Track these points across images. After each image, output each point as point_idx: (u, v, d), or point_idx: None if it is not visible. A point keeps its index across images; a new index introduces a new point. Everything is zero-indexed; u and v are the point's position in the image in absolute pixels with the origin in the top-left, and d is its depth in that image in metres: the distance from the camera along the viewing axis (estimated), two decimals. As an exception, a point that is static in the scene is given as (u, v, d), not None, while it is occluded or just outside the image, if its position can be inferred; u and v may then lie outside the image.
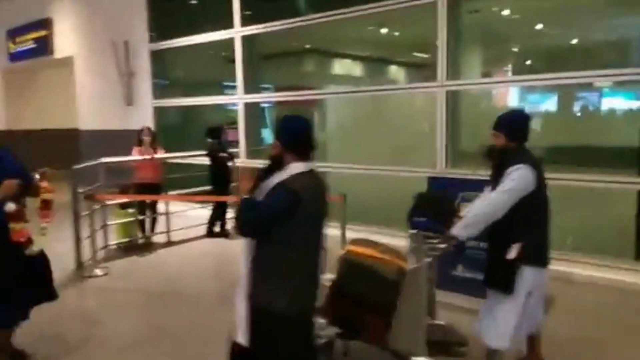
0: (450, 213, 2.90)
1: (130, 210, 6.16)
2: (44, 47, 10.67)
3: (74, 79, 10.00)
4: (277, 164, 2.20)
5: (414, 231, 2.84)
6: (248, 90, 7.64)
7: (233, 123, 8.87)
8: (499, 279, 2.78)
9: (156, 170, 6.33)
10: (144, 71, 8.77)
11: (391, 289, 2.82)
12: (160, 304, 4.44)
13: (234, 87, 8.02)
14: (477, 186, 4.01)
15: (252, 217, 2.15)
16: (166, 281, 4.99)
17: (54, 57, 10.52)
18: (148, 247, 6.22)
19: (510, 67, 7.76)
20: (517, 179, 2.63)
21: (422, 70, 13.21)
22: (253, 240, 2.22)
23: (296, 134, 2.22)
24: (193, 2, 8.57)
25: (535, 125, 8.15)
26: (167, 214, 6.54)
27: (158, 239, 6.45)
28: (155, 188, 6.32)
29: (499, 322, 2.78)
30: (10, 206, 2.80)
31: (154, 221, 6.48)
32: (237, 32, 7.52)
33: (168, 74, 9.25)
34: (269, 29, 7.22)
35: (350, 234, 4.47)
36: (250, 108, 7.75)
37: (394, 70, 14.35)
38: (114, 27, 9.04)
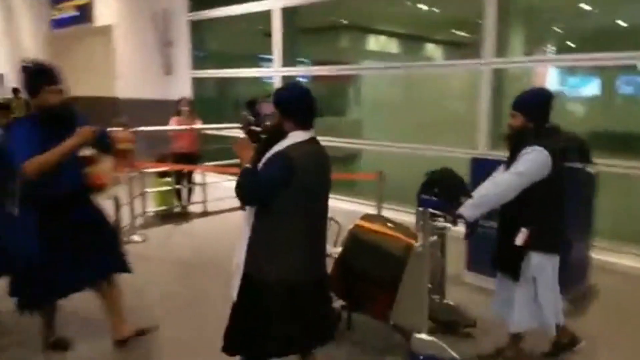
0: (460, 192, 2.82)
1: (168, 179, 6.26)
2: (85, 14, 10.79)
3: (113, 47, 10.09)
4: (277, 134, 2.19)
5: (421, 209, 2.80)
6: (285, 63, 7.55)
7: (269, 96, 8.82)
8: (507, 263, 2.75)
9: (193, 140, 6.38)
10: (183, 41, 8.77)
11: (397, 265, 2.82)
12: (198, 271, 4.52)
13: (270, 61, 7.95)
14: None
15: (250, 186, 2.16)
16: (202, 250, 5.07)
17: (94, 25, 10.63)
18: (184, 216, 6.32)
19: (552, 47, 7.47)
20: (531, 161, 2.54)
21: (461, 49, 12.90)
22: (253, 209, 2.22)
23: (294, 101, 2.18)
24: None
25: (575, 109, 7.89)
26: (203, 184, 6.62)
27: (194, 208, 6.55)
28: (192, 158, 6.39)
29: (514, 307, 2.74)
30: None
31: (190, 191, 6.57)
32: (276, 3, 7.40)
33: (206, 45, 9.23)
34: (308, 1, 7.06)
35: (386, 213, 4.40)
36: (287, 81, 7.67)
37: (432, 48, 14.00)
38: (153, -5, 9.04)
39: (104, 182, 2.92)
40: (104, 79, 10.44)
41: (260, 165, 2.18)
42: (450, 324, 3.24)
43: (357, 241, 3.03)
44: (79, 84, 11.75)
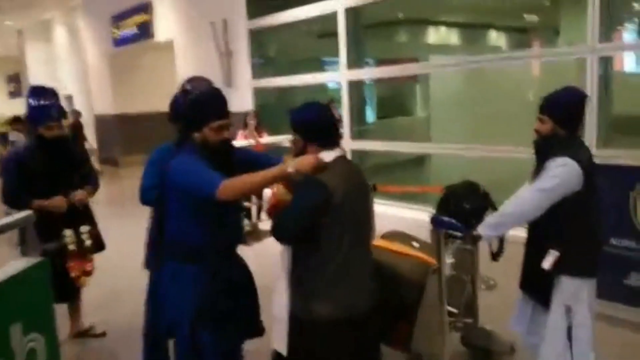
0: (481, 209, 2.58)
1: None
2: (145, 31, 10.90)
3: (175, 61, 10.07)
4: None
5: (434, 230, 2.61)
6: (351, 66, 7.10)
7: (331, 102, 8.45)
8: (534, 288, 2.47)
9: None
10: (243, 51, 8.56)
11: (416, 290, 2.61)
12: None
13: (333, 64, 7.55)
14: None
15: (283, 223, 2.00)
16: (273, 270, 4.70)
17: (155, 40, 10.70)
18: (254, 235, 6.02)
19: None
20: (559, 176, 2.20)
21: (531, 35, 12.01)
22: (289, 248, 2.05)
23: (313, 122, 2.03)
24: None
25: None
26: (273, 200, 6.28)
27: (264, 226, 6.23)
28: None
29: (545, 340, 2.38)
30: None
31: (260, 208, 6.27)
32: (341, 4, 6.97)
33: (266, 53, 8.98)
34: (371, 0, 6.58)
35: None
36: (354, 85, 7.22)
37: (499, 37, 13.16)
38: (212, 6, 8.90)
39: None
40: (167, 94, 10.46)
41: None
42: (484, 350, 3.00)
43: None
44: (145, 100, 11.98)
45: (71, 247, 3.19)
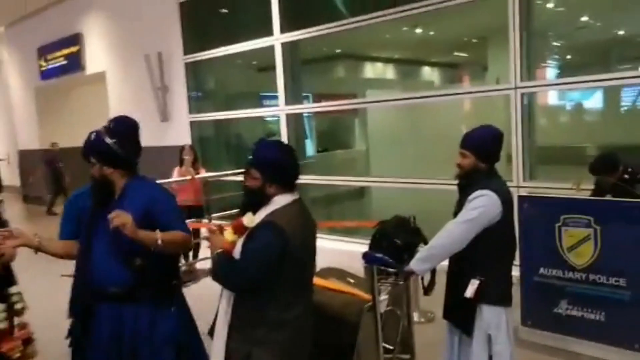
0: (412, 245, 2.67)
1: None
2: (75, 63, 10.47)
3: (107, 94, 9.71)
4: (258, 198, 1.96)
5: (367, 266, 2.62)
6: (290, 100, 7.13)
7: (270, 135, 8.42)
8: (457, 317, 2.53)
9: (198, 191, 5.90)
10: (179, 84, 8.39)
11: (352, 330, 2.56)
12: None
13: (271, 98, 7.56)
14: (585, 207, 3.44)
15: (235, 274, 1.89)
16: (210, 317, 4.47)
17: (85, 73, 10.30)
18: (191, 275, 5.75)
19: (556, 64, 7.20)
20: (481, 207, 2.33)
21: (462, 70, 12.70)
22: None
23: (280, 164, 1.96)
24: (226, 11, 8.12)
25: (583, 122, 7.56)
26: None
27: (202, 265, 5.98)
28: (198, 211, 5.87)
29: None
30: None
31: (197, 247, 6.02)
32: (277, 39, 7.03)
33: (204, 87, 8.86)
34: (312, 34, 6.69)
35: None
36: (293, 119, 7.25)
37: (431, 72, 13.79)
38: (146, 39, 8.70)
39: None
40: (98, 127, 10.03)
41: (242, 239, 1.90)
42: None
43: None
44: (74, 134, 11.38)
45: (2, 325, 2.42)
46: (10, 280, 2.64)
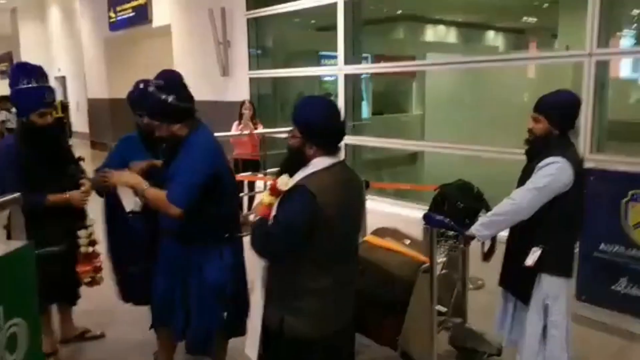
0: (474, 208, 2.63)
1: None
2: (142, 15, 10.73)
3: (172, 48, 9.95)
4: (298, 158, 1.85)
5: (426, 227, 2.59)
6: (349, 60, 7.06)
7: (328, 95, 8.41)
8: (515, 284, 2.52)
9: (255, 146, 6.06)
10: (241, 40, 8.46)
11: (405, 287, 2.58)
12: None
13: (330, 58, 7.50)
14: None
15: (264, 242, 1.85)
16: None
17: (152, 25, 10.56)
18: (245, 227, 5.97)
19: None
20: (552, 175, 2.26)
21: (529, 36, 12.03)
22: None
23: (320, 122, 1.82)
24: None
25: None
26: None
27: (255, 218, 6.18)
28: (254, 165, 6.05)
29: (525, 339, 2.46)
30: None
31: (251, 200, 6.23)
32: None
33: (264, 43, 8.89)
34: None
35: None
36: (350, 79, 7.18)
37: (496, 37, 13.16)
38: (211, -7, 8.77)
39: None
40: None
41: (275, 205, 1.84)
42: (472, 350, 2.99)
43: (361, 259, 2.59)
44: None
45: (84, 249, 2.89)
46: (85, 215, 2.97)
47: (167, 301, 2.44)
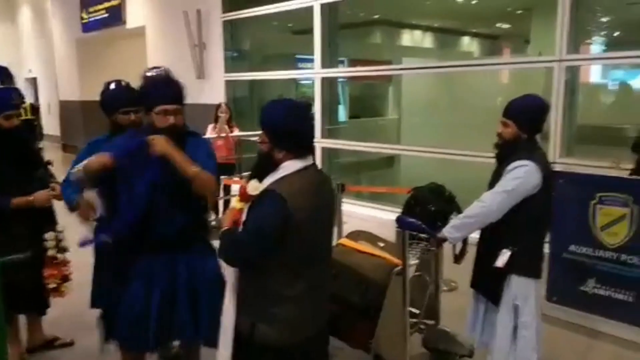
0: (446, 212, 2.67)
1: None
2: (116, 16, 10.56)
3: (146, 49, 9.81)
4: (268, 163, 1.82)
5: (400, 230, 2.60)
6: (325, 64, 7.07)
7: (305, 98, 8.41)
8: (486, 286, 2.56)
9: (230, 149, 6.01)
10: (216, 43, 8.40)
11: (378, 291, 2.58)
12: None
13: (306, 61, 7.50)
14: (623, 186, 3.36)
15: (233, 250, 1.83)
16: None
17: (126, 27, 10.40)
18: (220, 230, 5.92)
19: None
20: (521, 177, 2.30)
21: (502, 42, 12.27)
22: None
23: (288, 125, 1.78)
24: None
25: (626, 103, 7.23)
26: (240, 195, 6.19)
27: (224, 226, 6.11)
28: (229, 168, 6.00)
29: (495, 339, 2.49)
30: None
31: (227, 203, 6.17)
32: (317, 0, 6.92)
33: (240, 46, 8.85)
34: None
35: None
36: (327, 83, 7.20)
37: (469, 43, 13.37)
38: (186, -5, 8.69)
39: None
40: (136, 81, 10.19)
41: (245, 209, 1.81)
42: (445, 352, 3.01)
43: (334, 262, 2.59)
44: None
45: (51, 252, 2.82)
46: (54, 218, 2.88)
47: (143, 318, 2.27)
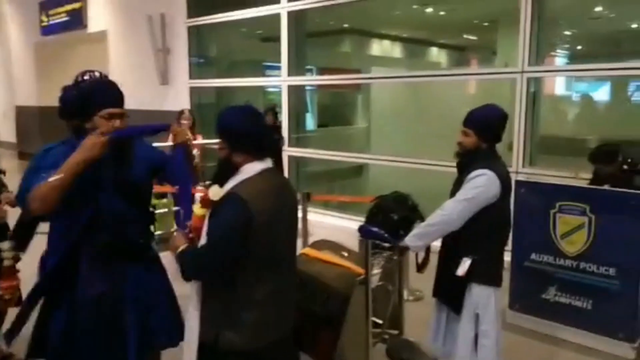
0: (408, 220, 2.67)
1: (165, 200, 5.70)
2: (77, 20, 10.25)
3: (108, 54, 9.55)
4: (228, 168, 1.84)
5: (362, 239, 2.60)
6: (292, 71, 7.03)
7: (273, 108, 8.33)
8: (447, 295, 2.56)
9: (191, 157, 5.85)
10: (181, 48, 8.25)
11: (342, 301, 2.54)
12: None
13: (274, 69, 7.45)
14: (581, 195, 3.42)
15: (203, 260, 1.80)
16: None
17: (87, 31, 10.11)
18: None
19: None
20: (481, 186, 2.34)
21: (470, 53, 12.54)
22: None
23: (242, 131, 1.83)
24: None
25: (588, 115, 7.49)
26: (204, 204, 6.04)
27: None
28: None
29: (457, 347, 2.49)
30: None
31: (191, 213, 6.01)
32: (284, 7, 6.88)
33: (206, 52, 8.72)
34: (320, 4, 6.54)
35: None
36: (294, 91, 7.15)
37: (437, 53, 13.62)
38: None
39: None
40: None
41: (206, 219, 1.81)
42: None
43: (297, 272, 2.56)
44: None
45: (8, 262, 2.66)
46: (7, 227, 2.73)
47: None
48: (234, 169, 1.83)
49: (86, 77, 2.13)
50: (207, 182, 1.91)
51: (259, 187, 1.79)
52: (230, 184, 1.79)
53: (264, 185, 1.81)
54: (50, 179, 1.81)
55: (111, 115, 1.99)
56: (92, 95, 2.01)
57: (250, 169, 1.82)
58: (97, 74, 2.23)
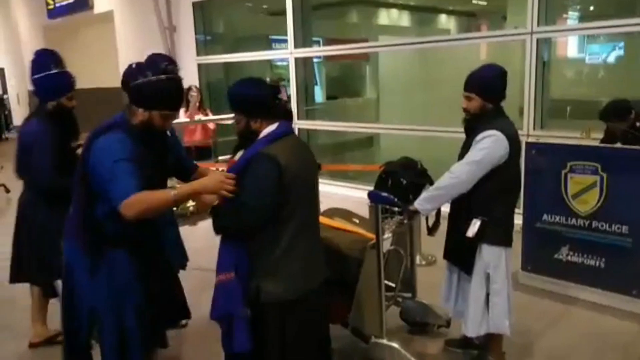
0: (418, 184, 2.67)
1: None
2: (82, 1, 10.22)
3: (115, 34, 9.54)
4: (249, 138, 1.97)
5: (371, 204, 2.61)
6: (299, 43, 6.97)
7: (279, 80, 8.31)
8: (458, 256, 2.58)
9: (206, 132, 5.91)
10: (187, 25, 8.21)
11: (353, 265, 2.59)
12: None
13: (282, 42, 7.39)
14: (592, 154, 3.40)
15: (241, 213, 1.87)
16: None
17: (93, 12, 10.08)
18: (198, 216, 5.84)
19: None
20: (488, 148, 2.33)
21: (479, 20, 12.25)
22: None
23: (252, 96, 1.96)
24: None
25: (600, 77, 7.30)
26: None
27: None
28: (206, 151, 5.91)
29: (469, 309, 2.53)
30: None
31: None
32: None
33: (212, 29, 8.65)
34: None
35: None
36: (302, 63, 7.10)
37: (451, 21, 13.35)
38: (154, -23, 8.43)
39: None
40: (106, 69, 9.93)
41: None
42: (422, 323, 3.08)
43: None
44: (82, 75, 11.28)
45: None
46: None
47: None
48: (253, 137, 1.94)
49: (170, 67, 1.99)
50: (228, 156, 1.98)
51: (282, 145, 1.90)
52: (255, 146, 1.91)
53: (286, 143, 1.93)
54: (171, 195, 1.83)
55: (167, 117, 2.01)
56: (167, 94, 1.97)
57: (270, 129, 1.94)
58: (172, 66, 2.06)
